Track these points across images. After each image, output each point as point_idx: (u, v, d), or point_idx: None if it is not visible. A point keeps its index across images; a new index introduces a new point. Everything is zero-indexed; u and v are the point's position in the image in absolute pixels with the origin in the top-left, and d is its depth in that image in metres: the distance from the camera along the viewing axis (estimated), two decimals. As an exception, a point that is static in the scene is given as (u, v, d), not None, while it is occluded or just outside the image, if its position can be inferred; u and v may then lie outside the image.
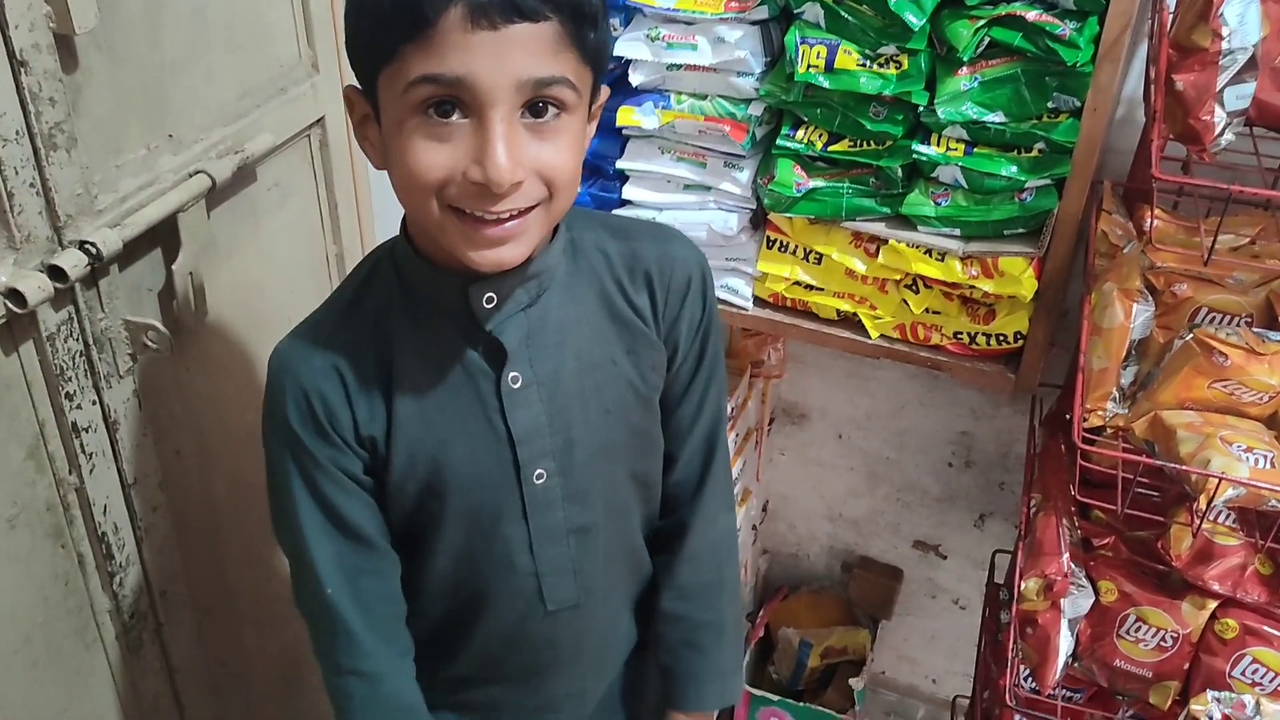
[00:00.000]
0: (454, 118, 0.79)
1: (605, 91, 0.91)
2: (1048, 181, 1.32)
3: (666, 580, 1.12)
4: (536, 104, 0.80)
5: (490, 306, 0.91)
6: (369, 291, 0.95)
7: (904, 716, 2.21)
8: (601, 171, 1.56)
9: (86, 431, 1.07)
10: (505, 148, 0.78)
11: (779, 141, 1.41)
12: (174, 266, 1.14)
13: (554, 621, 1.04)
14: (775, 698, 1.88)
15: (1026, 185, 1.32)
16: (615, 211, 1.55)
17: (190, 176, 1.13)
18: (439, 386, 0.93)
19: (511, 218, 0.82)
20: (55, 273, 0.98)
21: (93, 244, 1.00)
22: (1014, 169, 1.31)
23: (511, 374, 0.93)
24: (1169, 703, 1.23)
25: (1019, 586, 1.22)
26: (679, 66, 1.42)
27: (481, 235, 0.82)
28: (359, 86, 0.86)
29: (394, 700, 1.00)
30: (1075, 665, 1.27)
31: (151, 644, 1.23)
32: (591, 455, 0.99)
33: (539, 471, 0.97)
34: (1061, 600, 1.20)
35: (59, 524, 1.08)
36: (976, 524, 1.95)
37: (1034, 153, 1.31)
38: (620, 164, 1.51)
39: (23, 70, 0.93)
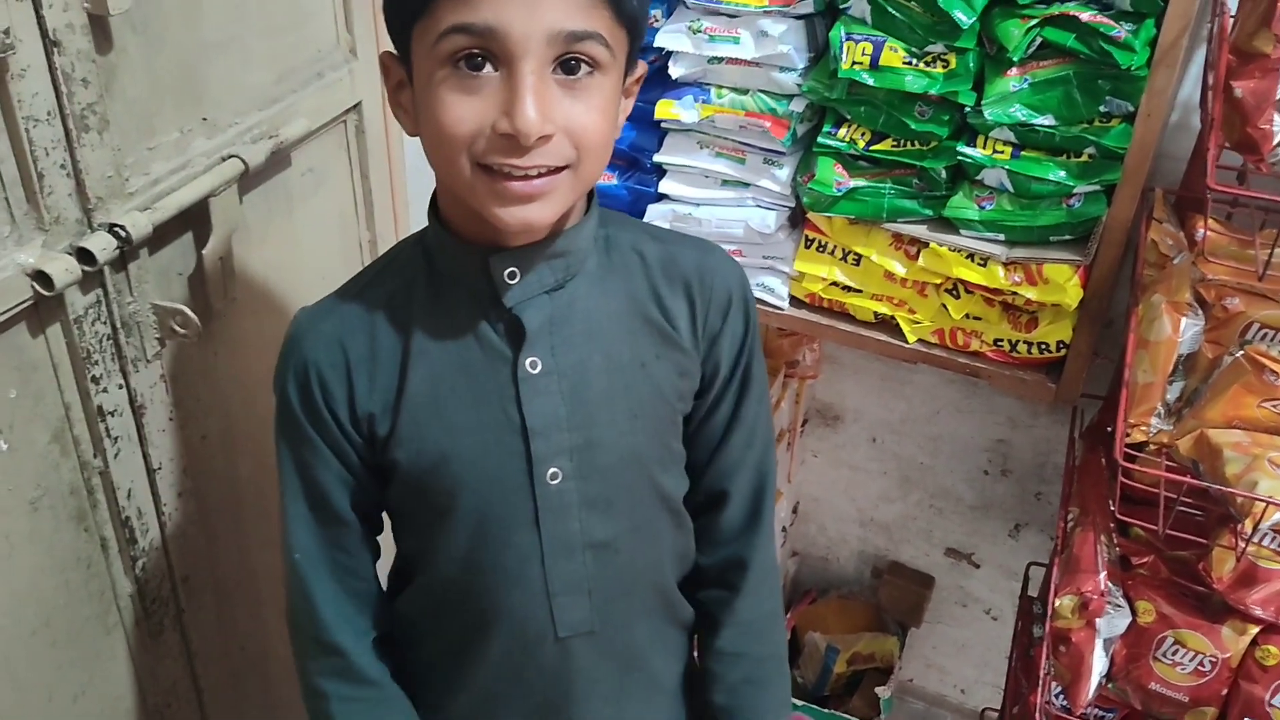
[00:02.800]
0: (484, 70, 0.78)
1: (642, 67, 0.90)
2: (1097, 188, 1.29)
3: (728, 617, 1.06)
4: (569, 60, 0.79)
5: (512, 281, 0.88)
6: (391, 270, 0.94)
7: (930, 725, 2.18)
8: (639, 164, 1.54)
9: (112, 415, 1.07)
10: (534, 99, 0.77)
11: (820, 139, 1.39)
12: (204, 251, 1.13)
13: (564, 651, 0.98)
14: (800, 703, 1.85)
15: (1075, 191, 1.29)
16: (652, 206, 1.53)
17: (223, 160, 1.12)
18: (455, 368, 0.91)
19: (539, 176, 0.81)
20: (84, 255, 0.97)
21: (122, 227, 1.00)
22: (1062, 174, 1.28)
23: (530, 358, 0.90)
24: (1205, 729, 1.20)
25: (1053, 603, 1.19)
26: (720, 60, 1.39)
27: (510, 191, 0.80)
28: (395, 52, 0.85)
29: (360, 672, 0.98)
30: (1109, 686, 1.24)
31: (172, 629, 1.22)
32: (615, 461, 0.94)
33: (553, 470, 0.92)
34: (1097, 620, 1.17)
35: (82, 507, 1.08)
36: (1011, 534, 1.91)
37: (1084, 157, 1.28)
38: (658, 158, 1.49)
39: (55, 50, 0.92)
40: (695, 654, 1.13)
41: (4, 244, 0.93)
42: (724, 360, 0.99)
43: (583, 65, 0.79)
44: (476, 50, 0.77)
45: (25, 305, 0.95)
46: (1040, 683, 1.19)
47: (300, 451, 0.93)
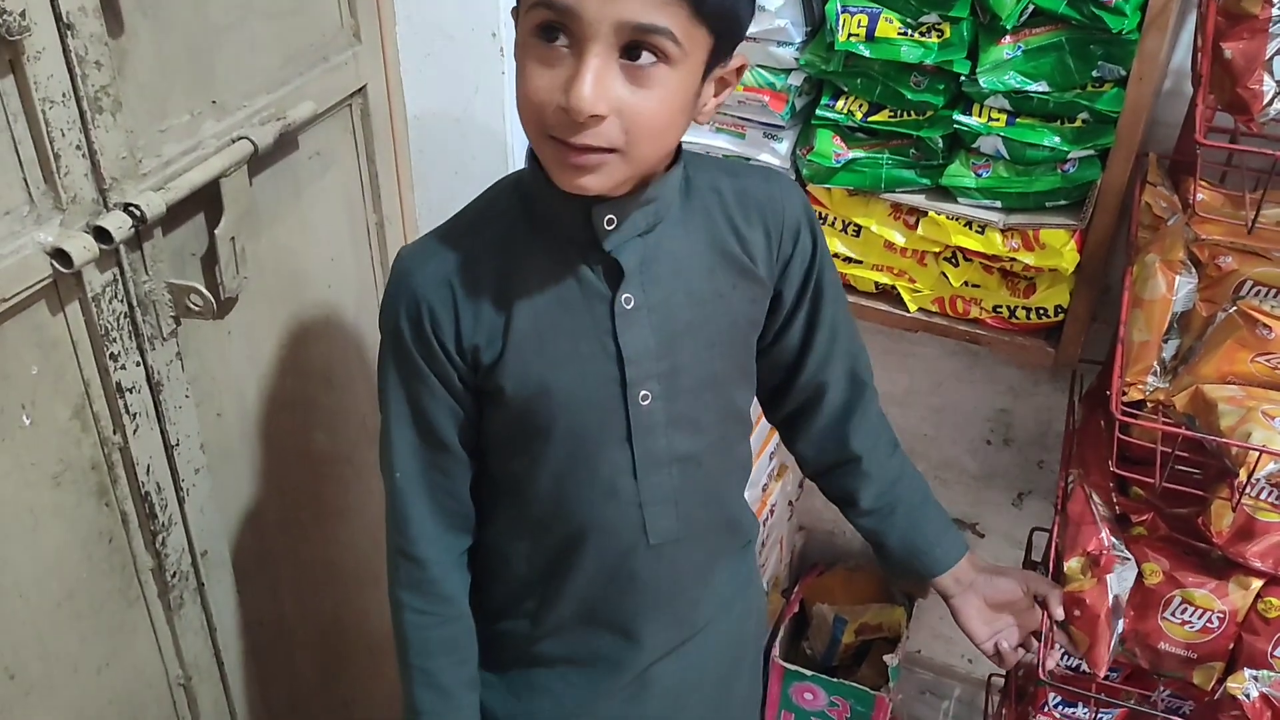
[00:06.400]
0: (558, 43, 0.83)
1: (740, 60, 0.93)
2: (1091, 152, 1.31)
3: (863, 485, 1.18)
4: (635, 48, 0.83)
5: (610, 228, 0.95)
6: (489, 215, 1.01)
7: (939, 695, 2.20)
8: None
9: (130, 392, 1.09)
10: (593, 80, 0.81)
11: (818, 112, 1.41)
12: (216, 231, 1.15)
13: (656, 557, 1.07)
14: (809, 673, 1.88)
15: (1069, 156, 1.30)
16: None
17: (233, 142, 1.15)
18: (556, 305, 0.98)
19: (591, 151, 0.85)
20: (100, 234, 0.99)
21: (137, 206, 1.02)
22: (1057, 139, 1.30)
23: (625, 295, 0.98)
24: (1213, 683, 1.21)
25: (1063, 566, 1.20)
26: (719, 36, 1.41)
27: (567, 159, 0.86)
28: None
29: (435, 586, 1.07)
30: (1119, 649, 1.25)
31: (192, 603, 1.25)
32: (696, 384, 1.03)
33: (644, 393, 1.01)
34: (1107, 576, 1.18)
35: (103, 482, 1.10)
36: (1015, 503, 1.93)
37: (1077, 123, 1.30)
38: (659, 135, 1.51)
39: (69, 33, 0.94)
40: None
41: (23, 223, 0.95)
42: (796, 279, 1.08)
43: (646, 54, 0.83)
44: (554, 24, 0.82)
45: (45, 283, 0.97)
46: (1043, 640, 1.20)
47: (410, 381, 1.01)
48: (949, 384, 1.86)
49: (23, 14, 0.88)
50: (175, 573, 1.21)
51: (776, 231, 1.05)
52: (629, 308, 0.98)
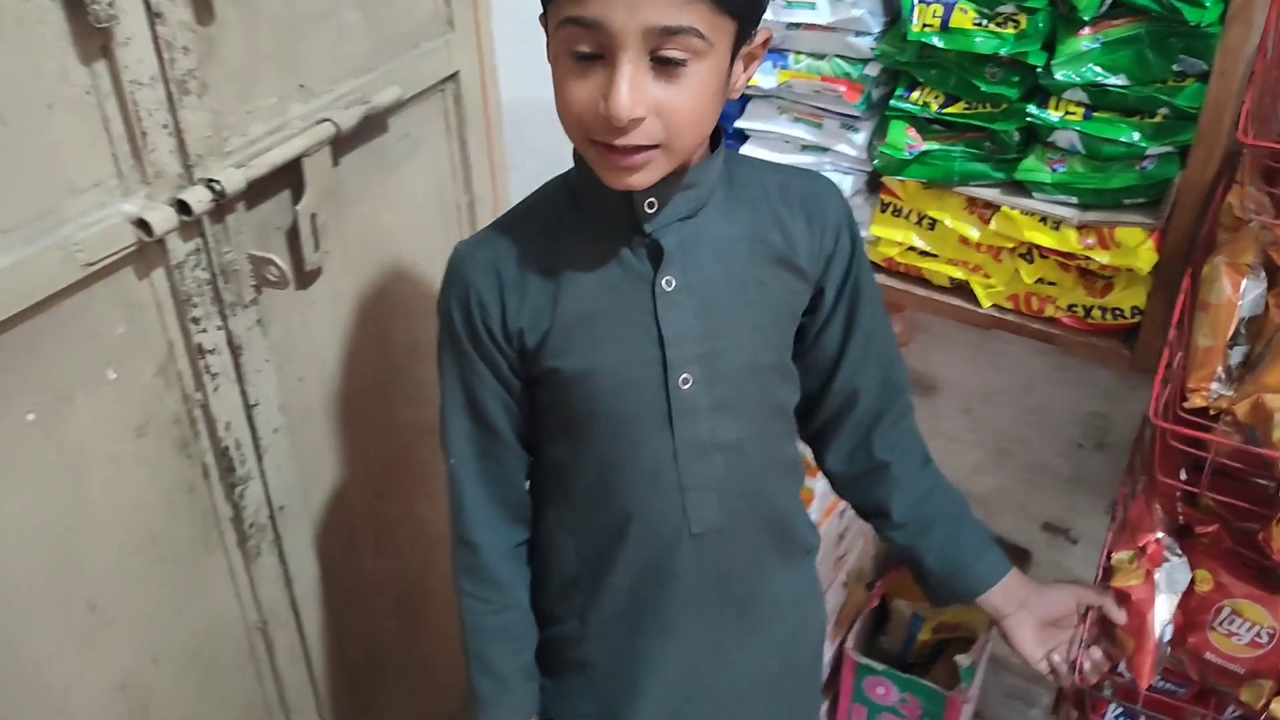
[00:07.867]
0: (591, 57, 0.88)
1: (764, 34, 0.97)
2: (1171, 149, 1.26)
3: (897, 495, 1.16)
4: (663, 50, 0.87)
5: (651, 211, 0.99)
6: (539, 207, 1.08)
7: (1027, 702, 2.15)
8: (721, 130, 1.57)
9: (211, 354, 1.18)
10: (628, 87, 0.86)
11: (892, 103, 1.39)
12: (298, 207, 1.23)
13: (699, 547, 1.09)
14: (880, 667, 1.87)
15: (1148, 152, 1.26)
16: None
17: (317, 124, 1.22)
18: (599, 288, 1.02)
19: (635, 151, 0.91)
20: (182, 206, 1.08)
21: (217, 181, 1.10)
22: (1135, 135, 1.26)
23: (665, 277, 1.01)
24: (1262, 702, 1.17)
25: (1109, 560, 1.17)
26: (798, 25, 1.42)
27: (612, 162, 0.92)
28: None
29: (487, 572, 1.13)
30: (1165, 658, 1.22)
31: (270, 554, 1.34)
32: (738, 368, 1.05)
33: (684, 376, 1.03)
34: (1156, 572, 1.14)
35: (185, 436, 1.19)
36: (1107, 509, 1.87)
37: (1157, 118, 1.25)
38: (740, 123, 1.53)
39: (158, 21, 1.02)
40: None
41: (111, 194, 1.04)
42: (836, 276, 1.09)
43: (675, 54, 0.87)
44: (587, 41, 0.87)
45: (130, 250, 1.06)
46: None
47: (462, 368, 1.07)
48: (1040, 384, 1.81)
49: (110, 3, 0.96)
50: (253, 524, 1.30)
51: (819, 226, 1.07)
52: (670, 289, 1.01)
